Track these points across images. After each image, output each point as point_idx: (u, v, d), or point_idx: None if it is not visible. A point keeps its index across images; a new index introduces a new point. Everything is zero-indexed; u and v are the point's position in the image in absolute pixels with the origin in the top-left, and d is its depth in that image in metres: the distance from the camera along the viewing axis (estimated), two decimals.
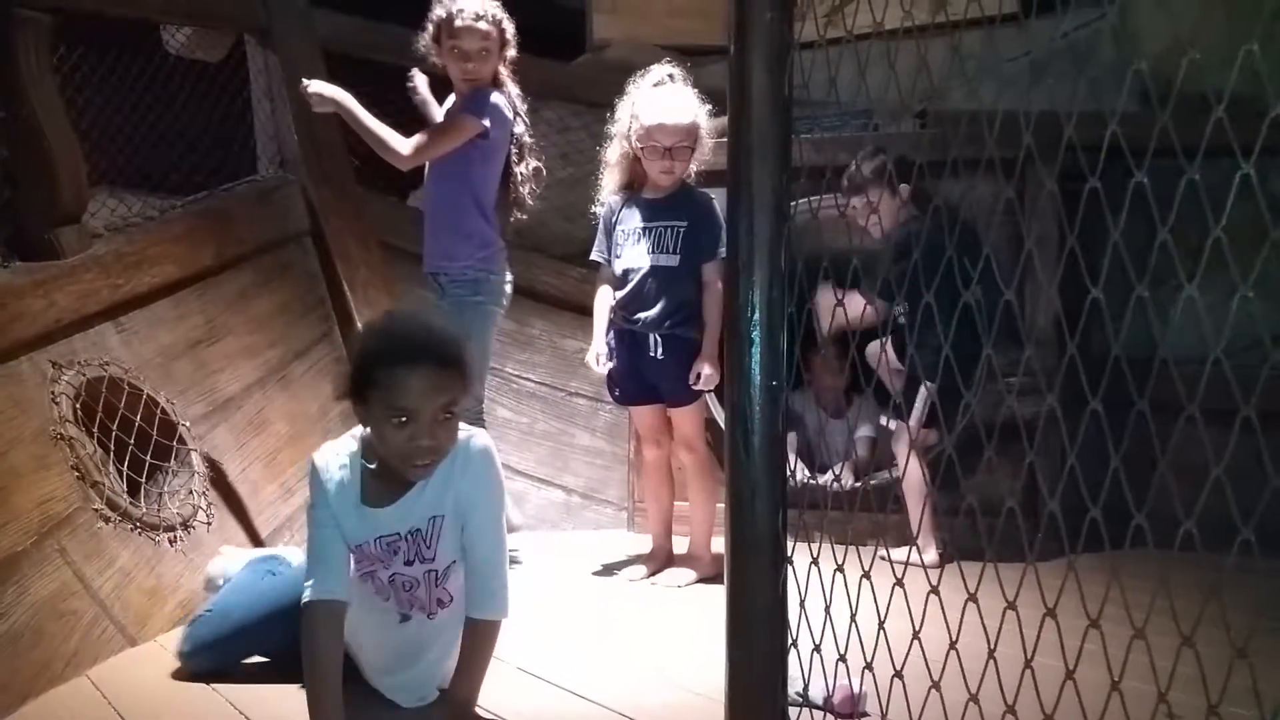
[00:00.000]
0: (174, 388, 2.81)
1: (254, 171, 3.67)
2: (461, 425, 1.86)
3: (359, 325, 3.46)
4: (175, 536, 2.55)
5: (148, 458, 2.61)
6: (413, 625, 1.96)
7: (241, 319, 3.17)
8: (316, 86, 2.77)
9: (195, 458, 2.74)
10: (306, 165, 3.60)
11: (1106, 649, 1.07)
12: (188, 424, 2.77)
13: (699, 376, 2.84)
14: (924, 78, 1.30)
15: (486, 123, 2.79)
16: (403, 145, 2.79)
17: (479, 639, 1.84)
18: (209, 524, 2.67)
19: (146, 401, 2.66)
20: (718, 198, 2.74)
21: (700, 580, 2.91)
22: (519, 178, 2.98)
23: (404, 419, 1.73)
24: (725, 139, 1.45)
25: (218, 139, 3.80)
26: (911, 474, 2.81)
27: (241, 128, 3.80)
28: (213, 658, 2.15)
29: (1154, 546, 1.12)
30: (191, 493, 2.68)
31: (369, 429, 1.83)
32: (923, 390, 2.79)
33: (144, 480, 2.59)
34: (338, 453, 1.87)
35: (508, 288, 2.96)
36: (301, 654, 1.78)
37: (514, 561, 2.82)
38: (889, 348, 2.88)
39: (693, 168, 2.93)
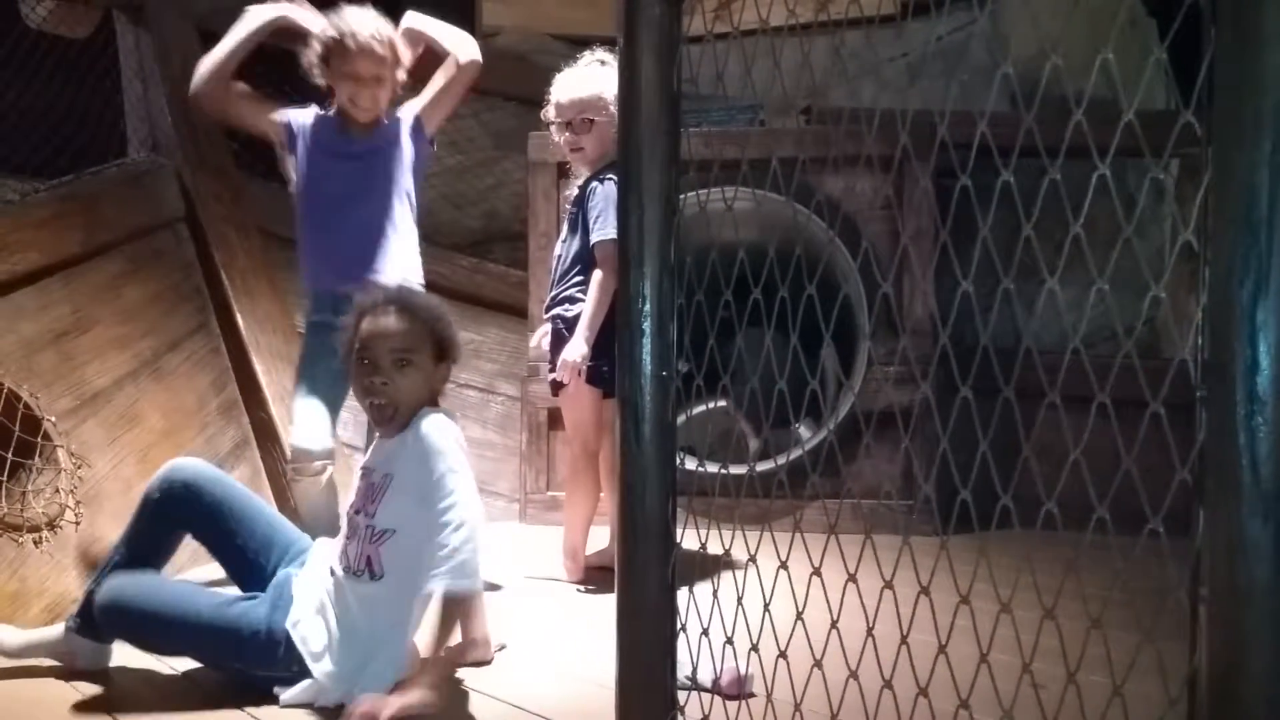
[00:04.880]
0: (38, 381, 2.67)
1: (124, 154, 3.51)
2: (428, 407, 1.98)
3: (238, 316, 3.35)
4: (41, 537, 2.44)
5: (9, 454, 2.48)
6: (333, 582, 1.98)
7: (111, 309, 3.03)
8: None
9: (62, 454, 2.62)
10: (182, 148, 3.45)
11: (976, 623, 1.12)
12: (53, 419, 2.64)
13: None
14: (808, 75, 1.33)
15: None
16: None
17: None
18: (77, 524, 2.55)
19: (8, 396, 2.52)
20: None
21: None
22: None
23: (365, 360, 1.97)
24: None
25: (84, 120, 3.62)
26: None
27: (110, 108, 3.62)
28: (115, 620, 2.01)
29: (1019, 526, 1.18)
30: (58, 491, 2.56)
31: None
32: None
33: (5, 478, 2.46)
34: None
35: None
36: None
37: None
38: None
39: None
